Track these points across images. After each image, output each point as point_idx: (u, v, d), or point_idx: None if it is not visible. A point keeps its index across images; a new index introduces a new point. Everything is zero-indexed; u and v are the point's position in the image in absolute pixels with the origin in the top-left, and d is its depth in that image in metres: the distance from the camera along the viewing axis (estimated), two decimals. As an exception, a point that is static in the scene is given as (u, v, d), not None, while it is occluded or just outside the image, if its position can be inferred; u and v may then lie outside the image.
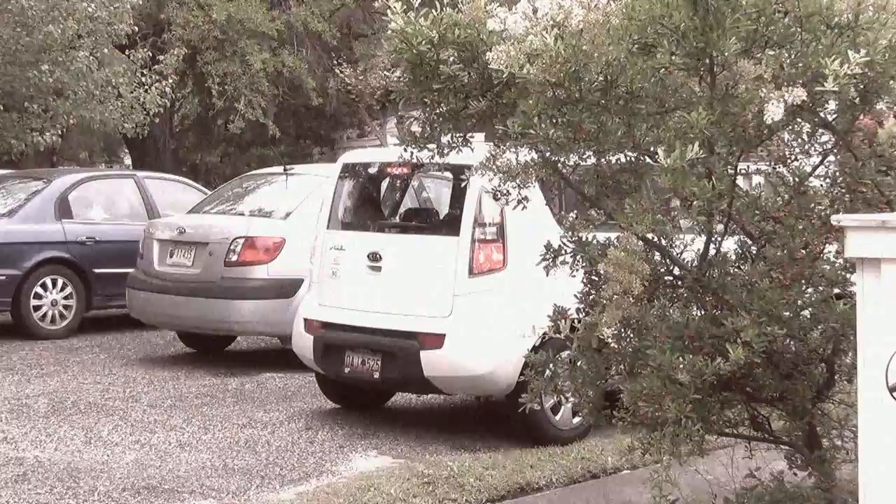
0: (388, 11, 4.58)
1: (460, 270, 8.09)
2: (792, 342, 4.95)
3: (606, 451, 7.49)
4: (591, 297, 5.03)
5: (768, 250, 4.75)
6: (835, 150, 4.93)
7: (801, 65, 4.37)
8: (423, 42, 4.61)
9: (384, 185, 9.42)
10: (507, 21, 4.59)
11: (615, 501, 6.66)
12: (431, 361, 8.04)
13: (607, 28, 4.45)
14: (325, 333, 8.73)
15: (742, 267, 4.81)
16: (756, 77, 4.27)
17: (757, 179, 5.44)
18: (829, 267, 4.76)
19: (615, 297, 4.40)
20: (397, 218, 9.30)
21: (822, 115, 4.72)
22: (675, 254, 4.96)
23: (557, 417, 8.14)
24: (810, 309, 4.83)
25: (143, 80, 18.26)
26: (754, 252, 4.93)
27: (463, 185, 8.03)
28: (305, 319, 8.95)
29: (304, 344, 8.95)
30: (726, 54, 4.30)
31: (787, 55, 4.45)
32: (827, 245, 4.72)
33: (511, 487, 6.93)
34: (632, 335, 4.81)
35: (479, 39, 4.61)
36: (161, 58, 19.39)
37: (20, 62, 16.00)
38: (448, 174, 8.68)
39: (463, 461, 7.42)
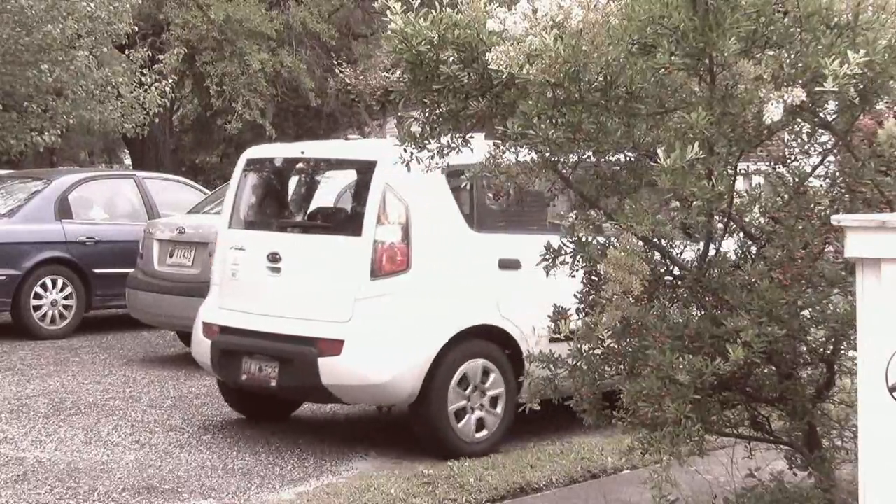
0: (388, 12, 4.58)
1: (361, 273, 7.69)
2: (792, 342, 4.95)
3: (606, 451, 7.49)
4: (591, 297, 5.03)
5: (768, 250, 4.76)
6: (835, 150, 4.93)
7: (800, 65, 4.37)
8: (423, 42, 4.61)
9: (288, 181, 9.04)
10: (506, 21, 4.59)
11: (615, 501, 6.66)
12: (329, 369, 7.63)
13: (607, 28, 4.45)
14: (222, 338, 8.33)
15: (742, 267, 4.81)
16: (756, 77, 4.27)
17: (757, 179, 5.43)
18: (829, 267, 4.76)
19: (615, 297, 4.40)
20: (299, 216, 8.94)
21: (821, 115, 4.72)
22: (674, 254, 4.96)
23: (460, 426, 7.77)
24: (810, 309, 4.84)
25: (143, 80, 18.25)
26: (754, 252, 4.93)
27: (367, 182, 7.81)
28: (204, 323, 8.55)
29: (201, 349, 8.54)
30: (726, 54, 4.30)
31: (786, 55, 4.45)
32: (827, 245, 4.72)
33: (511, 487, 6.93)
34: (632, 335, 4.81)
35: (479, 40, 4.61)
36: (160, 58, 19.38)
37: (20, 62, 15.98)
38: (352, 171, 8.44)
39: (463, 461, 7.42)
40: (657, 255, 4.92)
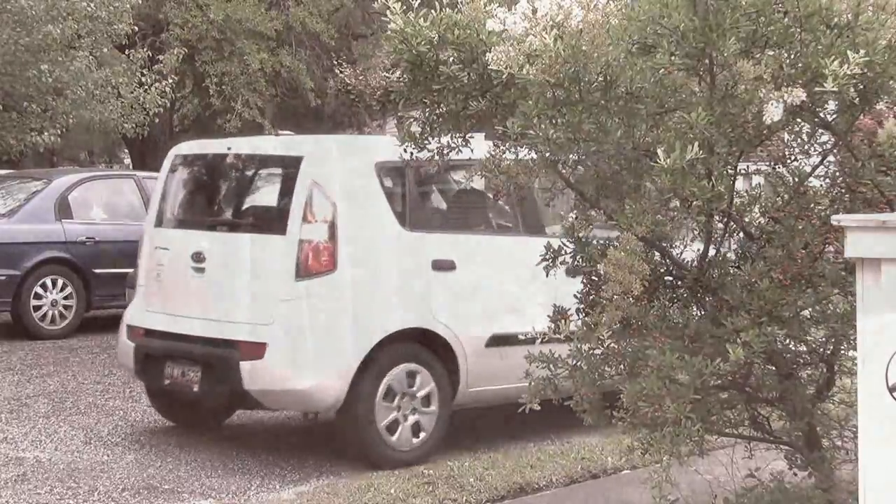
0: (388, 12, 4.58)
1: (286, 273, 7.42)
2: (792, 342, 4.95)
3: (606, 451, 7.49)
4: (590, 297, 5.02)
5: (768, 250, 4.75)
6: (835, 150, 4.93)
7: (800, 65, 4.37)
8: (423, 42, 4.60)
9: (214, 178, 8.78)
10: (506, 21, 4.59)
11: (615, 501, 6.66)
12: (252, 373, 7.38)
13: (607, 28, 4.45)
14: (145, 341, 8.11)
15: (742, 267, 4.81)
16: (756, 77, 4.27)
17: (757, 179, 5.43)
18: (829, 267, 4.75)
19: (615, 297, 4.40)
20: (224, 215, 8.68)
21: (821, 115, 4.71)
22: (675, 254, 4.96)
23: (394, 438, 7.57)
24: (810, 309, 4.83)
25: (143, 80, 18.24)
26: (754, 252, 4.93)
27: (292, 179, 7.55)
28: (128, 326, 8.34)
29: (125, 352, 8.33)
30: (726, 54, 4.30)
31: (786, 55, 4.45)
32: (827, 245, 4.72)
33: (511, 487, 6.93)
34: (632, 335, 4.80)
35: (479, 40, 4.61)
36: (160, 58, 19.38)
37: (20, 62, 15.98)
38: (279, 167, 8.16)
39: (463, 461, 7.42)
40: (657, 255, 4.92)
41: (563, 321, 4.89)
